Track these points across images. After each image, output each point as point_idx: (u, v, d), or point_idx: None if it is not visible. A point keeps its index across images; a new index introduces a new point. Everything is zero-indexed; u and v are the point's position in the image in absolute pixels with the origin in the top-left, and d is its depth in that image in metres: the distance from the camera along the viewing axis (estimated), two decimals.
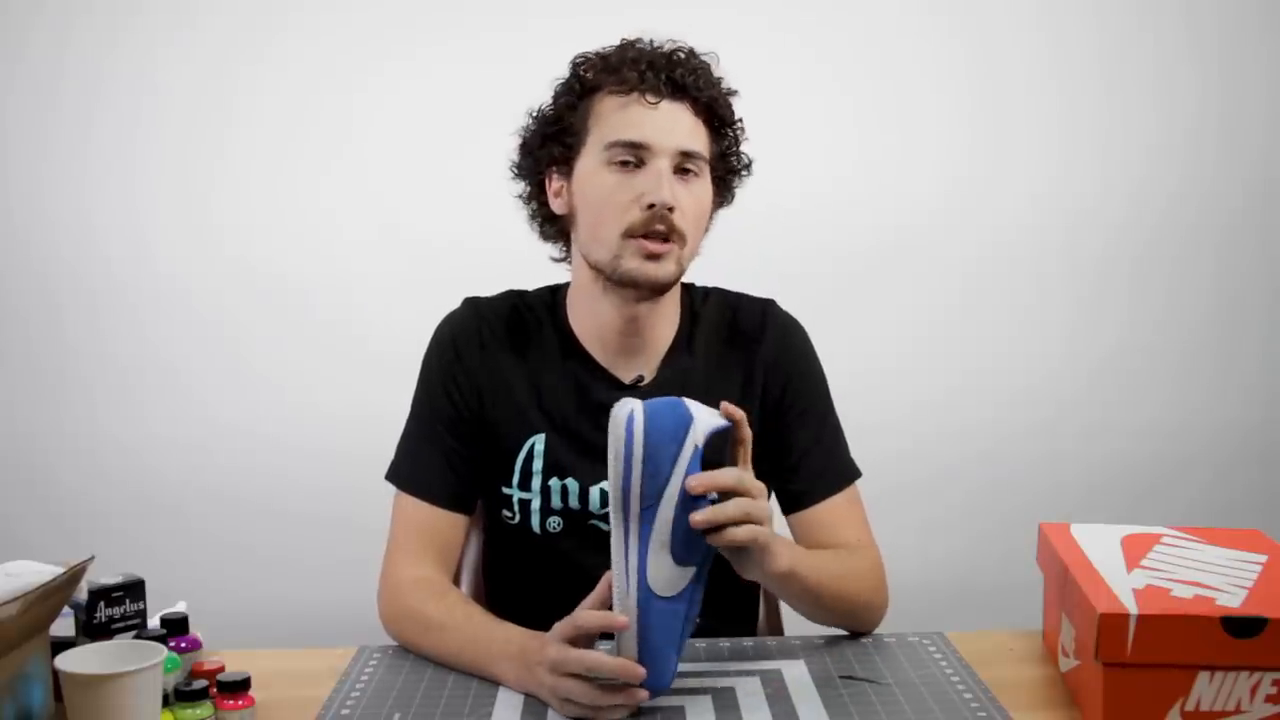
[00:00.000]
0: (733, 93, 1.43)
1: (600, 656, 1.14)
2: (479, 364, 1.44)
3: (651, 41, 1.41)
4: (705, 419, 1.14)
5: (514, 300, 1.49)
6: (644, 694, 1.15)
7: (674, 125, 1.35)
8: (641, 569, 1.13)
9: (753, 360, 1.46)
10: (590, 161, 1.37)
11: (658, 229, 1.33)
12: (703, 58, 1.40)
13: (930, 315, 2.41)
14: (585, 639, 1.17)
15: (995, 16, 2.36)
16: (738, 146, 1.45)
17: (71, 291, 2.30)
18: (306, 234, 2.31)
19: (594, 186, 1.36)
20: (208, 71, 2.27)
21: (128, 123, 2.28)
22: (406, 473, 1.44)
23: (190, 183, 2.30)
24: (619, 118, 1.36)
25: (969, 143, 2.38)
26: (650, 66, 1.35)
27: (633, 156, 1.34)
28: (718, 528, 1.13)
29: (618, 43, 1.41)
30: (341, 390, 2.32)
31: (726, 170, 1.44)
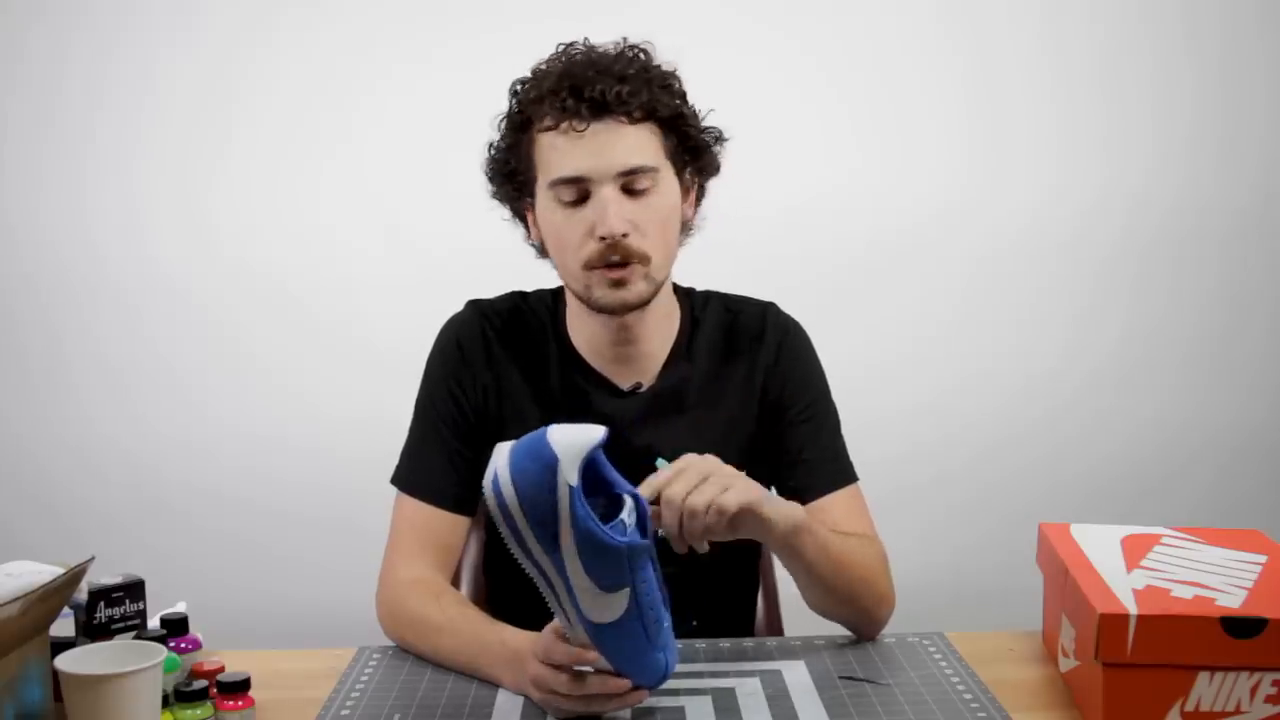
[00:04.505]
0: (673, 78, 1.37)
1: (581, 680, 1.14)
2: (483, 366, 1.44)
3: (586, 42, 1.37)
4: (572, 448, 1.06)
5: (516, 301, 1.49)
6: (641, 693, 1.15)
7: (609, 148, 1.31)
8: (577, 609, 1.11)
9: (753, 364, 1.46)
10: (542, 200, 1.37)
11: (614, 259, 1.32)
12: (637, 49, 1.36)
13: (931, 318, 2.41)
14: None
15: (995, 19, 2.36)
16: (696, 129, 1.39)
17: (72, 292, 2.30)
18: (308, 236, 2.31)
19: (548, 225, 1.37)
20: (208, 72, 2.27)
21: (128, 123, 2.27)
22: (408, 474, 1.44)
23: (190, 183, 2.30)
24: (553, 156, 1.33)
25: (969, 147, 2.38)
26: (571, 91, 1.31)
27: (576, 192, 1.32)
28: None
29: (550, 53, 1.38)
30: (342, 391, 2.32)
31: (693, 154, 1.40)
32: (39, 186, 2.29)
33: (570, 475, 1.05)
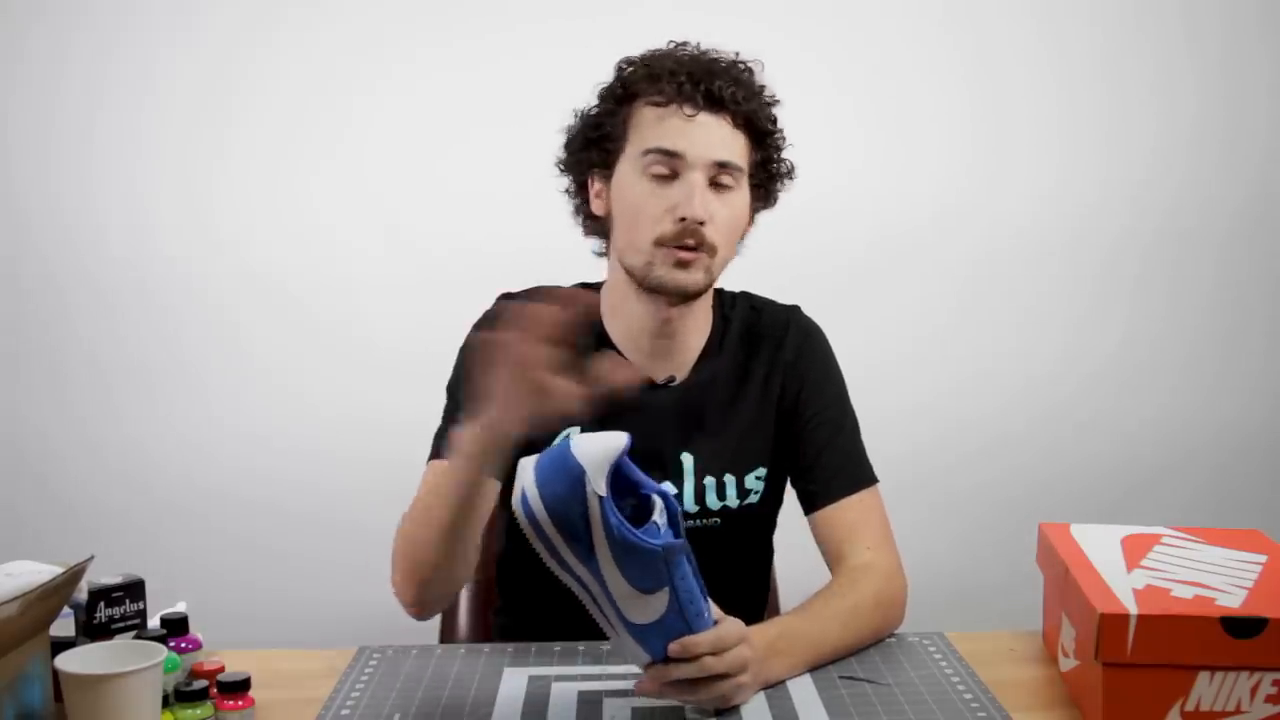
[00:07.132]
0: (775, 102, 1.44)
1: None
2: None
3: (699, 46, 1.42)
4: (597, 458, 1.05)
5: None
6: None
7: (709, 137, 1.36)
8: (618, 612, 1.11)
9: (773, 363, 1.49)
10: (627, 168, 1.39)
11: (688, 242, 1.35)
12: (748, 64, 1.42)
13: (931, 318, 2.41)
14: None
15: (996, 19, 2.36)
16: (779, 154, 1.46)
17: (72, 292, 2.30)
18: (308, 236, 2.31)
19: (630, 194, 1.38)
20: (208, 72, 2.27)
21: (128, 123, 2.27)
22: (438, 446, 1.43)
23: (190, 183, 2.30)
24: (656, 128, 1.37)
25: (969, 147, 2.38)
26: (689, 78, 1.36)
27: (667, 167, 1.36)
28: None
29: (663, 46, 1.42)
30: (342, 391, 2.32)
31: (766, 177, 1.46)
32: (37, 186, 2.28)
33: (599, 485, 1.05)
